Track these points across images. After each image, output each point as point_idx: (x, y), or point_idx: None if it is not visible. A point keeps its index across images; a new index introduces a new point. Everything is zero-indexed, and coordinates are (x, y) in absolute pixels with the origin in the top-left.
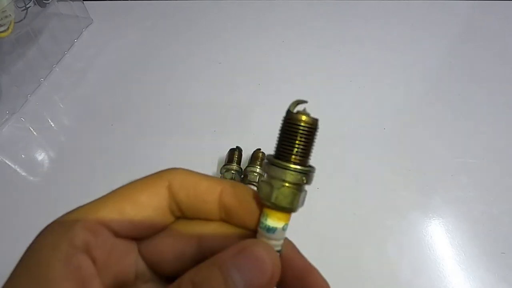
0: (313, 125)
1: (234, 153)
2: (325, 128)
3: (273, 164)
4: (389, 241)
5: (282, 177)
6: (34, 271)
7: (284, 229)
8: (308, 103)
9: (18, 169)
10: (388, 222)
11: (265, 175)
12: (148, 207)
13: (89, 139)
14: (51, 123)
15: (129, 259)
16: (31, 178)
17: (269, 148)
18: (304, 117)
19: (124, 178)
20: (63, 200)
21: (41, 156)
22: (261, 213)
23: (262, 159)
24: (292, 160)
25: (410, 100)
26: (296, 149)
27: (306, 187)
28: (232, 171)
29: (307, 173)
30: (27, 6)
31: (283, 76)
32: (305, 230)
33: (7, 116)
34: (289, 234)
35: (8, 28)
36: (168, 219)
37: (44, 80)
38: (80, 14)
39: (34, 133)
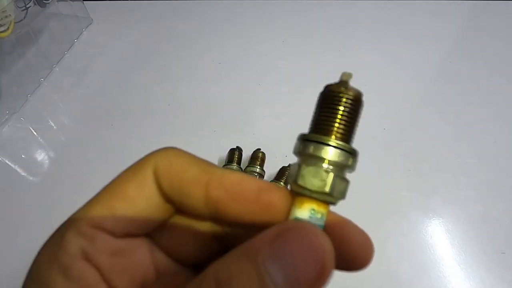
0: (358, 100)
1: (234, 153)
2: None
3: (307, 139)
4: (389, 241)
5: (320, 154)
6: None
7: (322, 218)
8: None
9: (18, 169)
10: (388, 222)
11: (297, 159)
12: (138, 199)
13: (89, 139)
14: (51, 123)
15: (140, 257)
16: (31, 178)
17: (269, 148)
18: (351, 91)
19: None
20: (63, 200)
21: (41, 156)
22: (292, 205)
23: (262, 159)
24: (334, 134)
25: (410, 100)
26: (339, 122)
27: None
28: None
29: (353, 154)
30: (27, 6)
31: (283, 76)
32: None
33: (7, 116)
34: None
35: (8, 28)
36: (169, 208)
37: (44, 80)
38: (80, 14)
39: (34, 133)
